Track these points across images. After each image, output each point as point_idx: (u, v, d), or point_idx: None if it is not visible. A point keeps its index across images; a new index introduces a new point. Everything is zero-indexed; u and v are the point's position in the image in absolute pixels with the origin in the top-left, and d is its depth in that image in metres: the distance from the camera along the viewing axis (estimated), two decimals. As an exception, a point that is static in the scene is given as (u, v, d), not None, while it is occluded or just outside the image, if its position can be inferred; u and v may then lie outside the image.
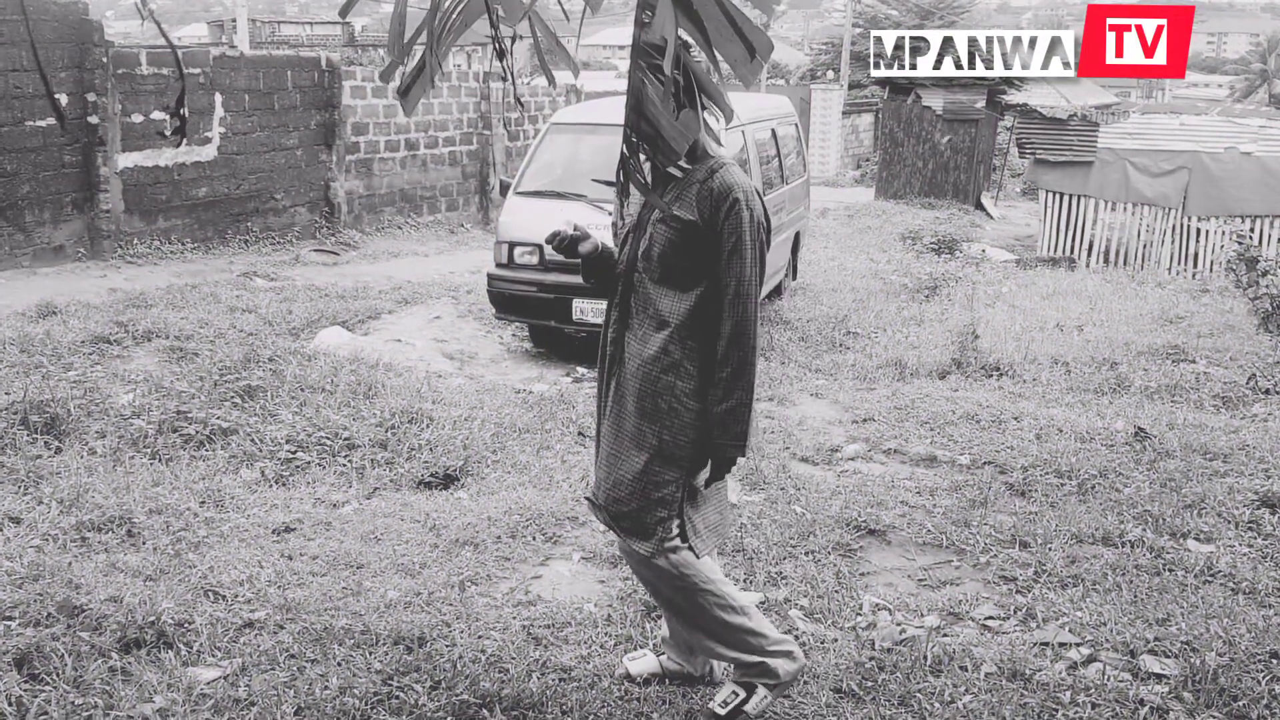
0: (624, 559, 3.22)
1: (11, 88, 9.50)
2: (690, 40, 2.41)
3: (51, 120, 9.76)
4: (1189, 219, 13.74)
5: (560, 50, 2.79)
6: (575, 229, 3.22)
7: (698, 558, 3.15)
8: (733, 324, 3.00)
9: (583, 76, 25.88)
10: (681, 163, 3.08)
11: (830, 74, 29.87)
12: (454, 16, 2.72)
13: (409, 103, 2.97)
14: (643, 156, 2.62)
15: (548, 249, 7.70)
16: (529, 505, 4.90)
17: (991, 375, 7.89)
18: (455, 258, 12.01)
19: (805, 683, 3.49)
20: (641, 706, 3.30)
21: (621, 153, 2.62)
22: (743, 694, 3.24)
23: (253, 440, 5.47)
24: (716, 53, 2.34)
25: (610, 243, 3.39)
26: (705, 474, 3.12)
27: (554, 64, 2.95)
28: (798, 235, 10.95)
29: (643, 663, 3.49)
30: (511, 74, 3.38)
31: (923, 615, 4.05)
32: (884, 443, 6.25)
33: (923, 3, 28.91)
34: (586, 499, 3.29)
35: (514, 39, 3.08)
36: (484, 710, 3.19)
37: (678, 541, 3.12)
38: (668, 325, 3.07)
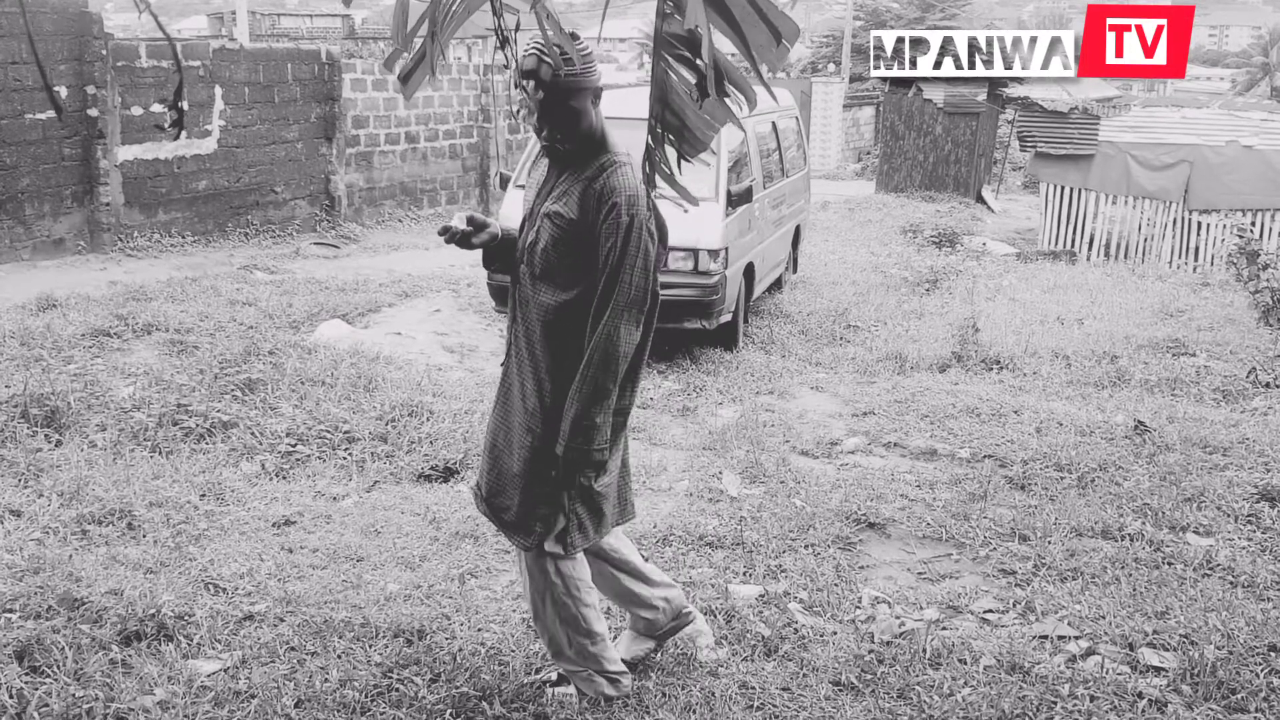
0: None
1: (11, 80, 9.48)
2: (716, 29, 2.40)
3: (51, 113, 9.75)
4: (1190, 212, 13.72)
5: (565, 40, 2.78)
6: (469, 221, 3.16)
7: (572, 555, 3.14)
8: (600, 333, 2.92)
9: (583, 69, 25.83)
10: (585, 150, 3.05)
11: (831, 67, 29.82)
12: (457, 5, 2.72)
13: (409, 89, 2.97)
14: (668, 148, 2.62)
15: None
16: (529, 498, 4.90)
17: (992, 369, 7.89)
18: (455, 251, 11.93)
19: (804, 676, 3.50)
20: (642, 700, 3.31)
21: (646, 144, 2.62)
22: (555, 679, 3.32)
23: (253, 433, 5.47)
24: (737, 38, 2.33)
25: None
26: (600, 480, 3.09)
27: (563, 55, 2.94)
28: (798, 228, 10.95)
29: (623, 644, 3.55)
30: (517, 63, 3.36)
31: (922, 608, 4.05)
32: (884, 436, 6.26)
33: (924, -4, 28.85)
34: (472, 489, 3.28)
35: (516, 28, 3.07)
36: (484, 703, 3.19)
37: (559, 550, 3.11)
38: (545, 323, 3.04)
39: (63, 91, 9.85)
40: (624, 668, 3.33)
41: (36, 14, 9.70)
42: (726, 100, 2.55)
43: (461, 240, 3.14)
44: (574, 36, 2.95)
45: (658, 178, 2.70)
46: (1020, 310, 9.90)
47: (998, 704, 3.31)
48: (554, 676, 3.33)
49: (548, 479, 3.05)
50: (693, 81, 2.51)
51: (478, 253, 3.28)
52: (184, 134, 10.91)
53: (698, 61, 2.43)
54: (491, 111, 15.19)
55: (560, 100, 2.95)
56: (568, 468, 2.97)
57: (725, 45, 2.52)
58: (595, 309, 2.95)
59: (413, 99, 14.03)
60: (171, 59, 10.81)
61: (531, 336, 3.07)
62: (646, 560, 3.51)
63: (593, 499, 3.11)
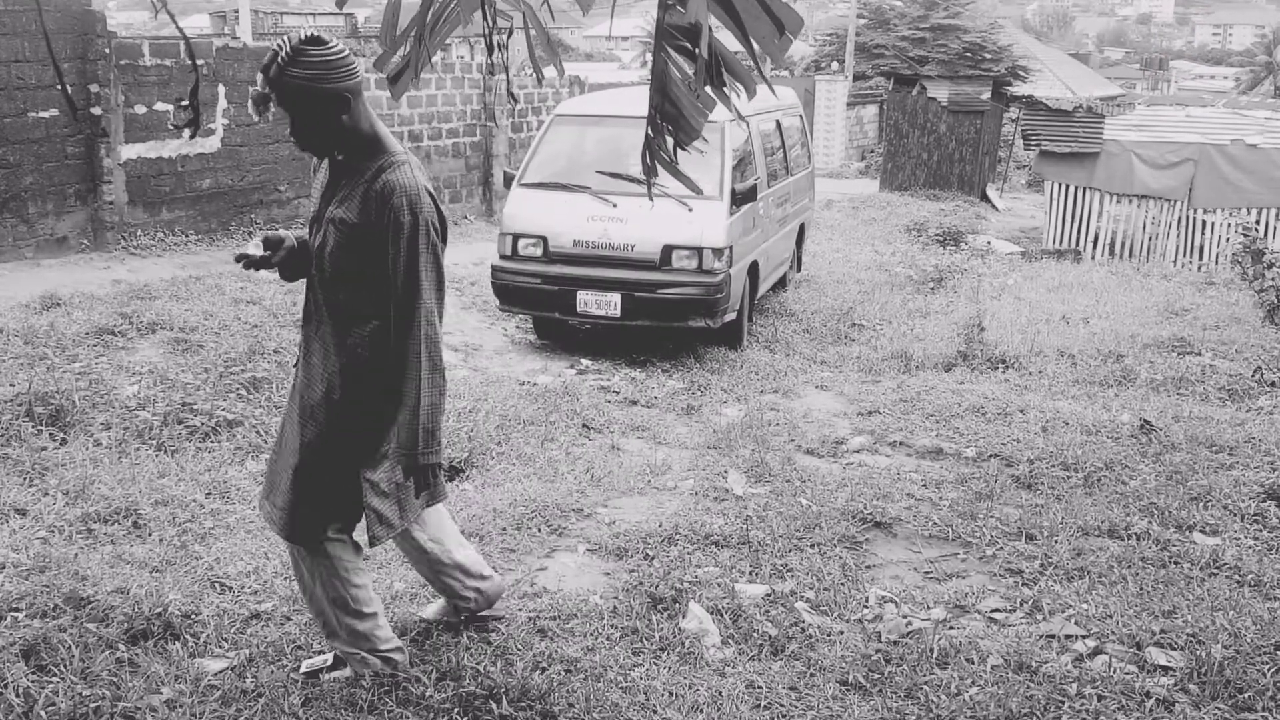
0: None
1: (14, 79, 9.48)
2: (719, 21, 2.40)
3: (55, 111, 9.73)
4: (1194, 211, 13.69)
5: (549, 49, 2.78)
6: (265, 243, 3.13)
7: (336, 543, 3.16)
8: (417, 339, 2.94)
9: (586, 68, 25.79)
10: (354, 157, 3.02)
11: (835, 65, 29.77)
12: (451, 8, 2.72)
13: (397, 90, 2.99)
14: (667, 137, 2.62)
15: (537, 247, 7.78)
16: (534, 497, 4.90)
17: (997, 368, 7.88)
18: (459, 249, 11.98)
19: (812, 675, 3.49)
20: (649, 699, 3.31)
21: (647, 134, 2.62)
22: (330, 663, 3.34)
23: (258, 432, 5.47)
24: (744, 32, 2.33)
25: None
26: (390, 474, 3.10)
27: (543, 61, 2.93)
28: (802, 227, 10.94)
29: (433, 608, 3.68)
30: (506, 69, 3.37)
31: (929, 608, 4.05)
32: (889, 435, 6.25)
33: (927, -6, 28.80)
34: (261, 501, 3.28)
35: (510, 33, 3.07)
36: (490, 702, 3.19)
37: (379, 534, 3.13)
38: (338, 324, 3.05)
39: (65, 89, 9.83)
40: (398, 644, 3.35)
41: (40, 13, 9.69)
42: (725, 90, 2.56)
43: (261, 263, 3.13)
44: (318, 40, 2.88)
45: (659, 166, 2.71)
46: (1025, 309, 9.89)
47: (1005, 703, 3.30)
48: (330, 660, 3.35)
49: (317, 478, 3.07)
50: (691, 72, 2.52)
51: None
52: (196, 133, 10.88)
53: (697, 52, 2.44)
54: (495, 110, 15.18)
55: (290, 100, 2.90)
56: (421, 473, 3.00)
57: (732, 41, 2.53)
58: (398, 316, 2.95)
59: (416, 98, 14.04)
60: (175, 57, 10.80)
61: (326, 339, 3.08)
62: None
63: (382, 491, 3.12)
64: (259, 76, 2.91)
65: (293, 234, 3.21)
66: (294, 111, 2.92)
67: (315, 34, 2.89)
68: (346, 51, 2.91)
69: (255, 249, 3.12)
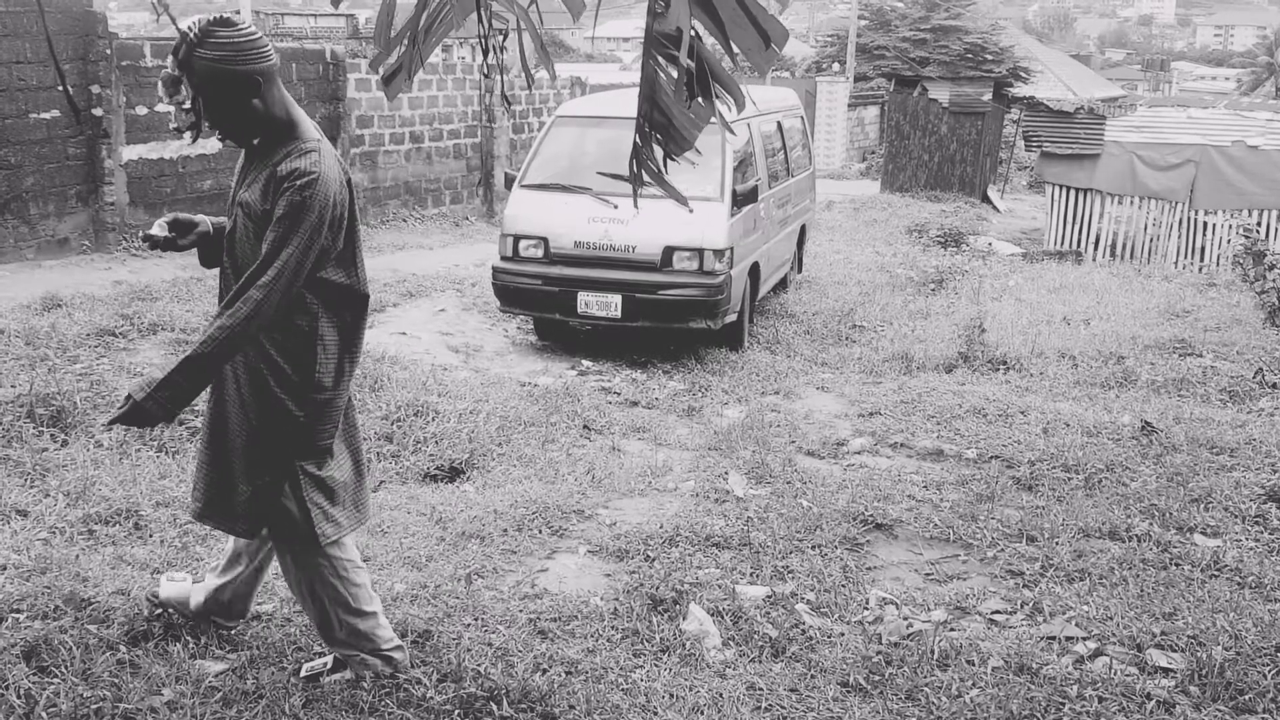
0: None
1: (15, 80, 9.49)
2: (705, 29, 2.41)
3: (56, 113, 9.75)
4: (1196, 212, 13.69)
5: (543, 54, 2.79)
6: (172, 225, 3.10)
7: (332, 543, 3.14)
8: (233, 300, 2.82)
9: (587, 69, 25.80)
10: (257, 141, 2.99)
11: (836, 66, 29.78)
12: (445, 11, 2.73)
13: (391, 91, 2.99)
14: (655, 146, 2.62)
15: (541, 244, 7.82)
16: (535, 498, 4.90)
17: (998, 369, 7.88)
18: (460, 250, 11.99)
19: (812, 677, 3.49)
20: (649, 700, 3.31)
21: (634, 142, 2.61)
22: (330, 665, 3.31)
23: (259, 433, 5.46)
24: (731, 42, 2.34)
25: None
26: (342, 471, 3.08)
27: (536, 66, 2.94)
28: (803, 228, 10.94)
29: (176, 588, 3.53)
30: (502, 71, 3.36)
31: (929, 609, 4.05)
32: (890, 436, 6.25)
33: (928, -5, 28.81)
34: (192, 508, 3.20)
35: (505, 35, 3.07)
36: (491, 703, 3.19)
37: (328, 531, 3.11)
38: None
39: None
40: (399, 644, 3.33)
41: (42, 14, 9.70)
42: (715, 101, 2.56)
43: (167, 244, 3.09)
44: (227, 22, 2.85)
45: (645, 175, 2.71)
46: (1026, 310, 9.89)
47: (1006, 705, 3.30)
48: (330, 663, 3.33)
49: (263, 470, 3.04)
50: (681, 81, 2.52)
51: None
52: (199, 136, 10.87)
53: (685, 60, 2.45)
54: (495, 111, 15.19)
55: (200, 82, 2.85)
56: (134, 409, 2.80)
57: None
58: (252, 273, 2.84)
59: (417, 99, 14.05)
60: (177, 59, 10.80)
61: None
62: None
63: (328, 488, 3.10)
64: (170, 59, 2.87)
65: (210, 219, 3.18)
66: (204, 94, 2.87)
67: (225, 16, 2.86)
68: (259, 34, 2.87)
69: (159, 229, 3.07)
